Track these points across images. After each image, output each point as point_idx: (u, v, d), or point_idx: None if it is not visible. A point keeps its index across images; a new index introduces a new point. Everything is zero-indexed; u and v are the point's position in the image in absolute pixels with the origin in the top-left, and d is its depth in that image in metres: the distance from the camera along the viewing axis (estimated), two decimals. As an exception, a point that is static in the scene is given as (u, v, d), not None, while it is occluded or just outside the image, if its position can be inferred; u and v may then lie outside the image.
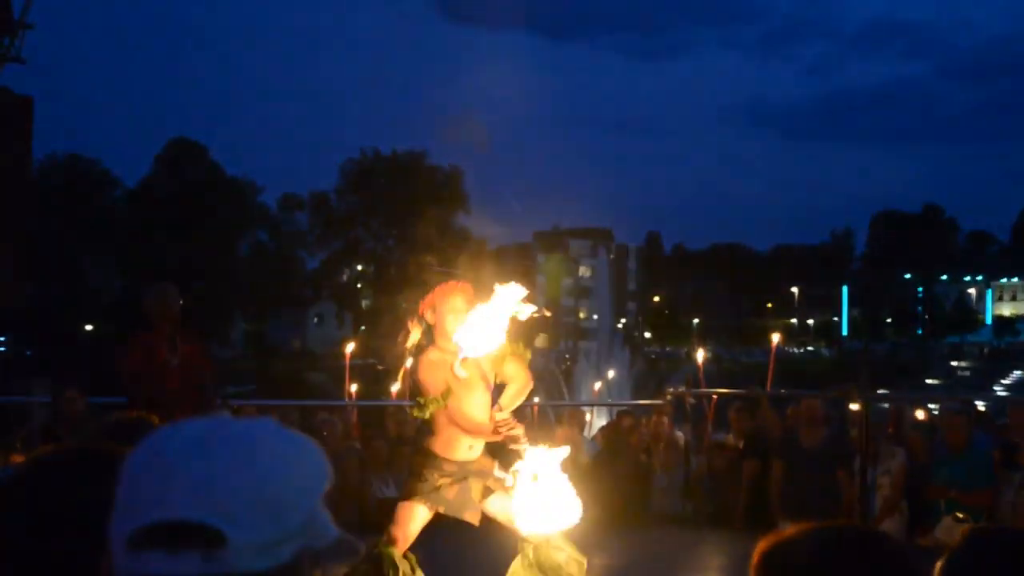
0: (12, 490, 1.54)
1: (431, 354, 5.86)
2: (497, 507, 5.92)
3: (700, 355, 12.93)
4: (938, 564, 1.85)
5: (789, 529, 1.67)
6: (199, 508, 1.12)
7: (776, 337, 13.71)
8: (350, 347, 13.84)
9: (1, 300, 15.86)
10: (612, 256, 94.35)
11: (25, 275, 13.80)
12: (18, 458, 8.78)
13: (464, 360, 5.81)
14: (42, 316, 42.25)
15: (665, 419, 11.48)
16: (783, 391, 11.86)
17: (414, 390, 5.99)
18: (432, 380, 5.80)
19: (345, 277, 77.76)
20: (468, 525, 5.97)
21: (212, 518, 1.12)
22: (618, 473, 10.83)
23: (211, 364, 8.37)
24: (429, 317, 5.97)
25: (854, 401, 9.49)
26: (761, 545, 1.67)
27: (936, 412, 10.12)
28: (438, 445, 5.88)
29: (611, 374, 26.57)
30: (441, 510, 5.81)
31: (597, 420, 15.72)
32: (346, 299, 77.18)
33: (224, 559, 1.12)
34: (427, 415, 5.83)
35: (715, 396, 11.78)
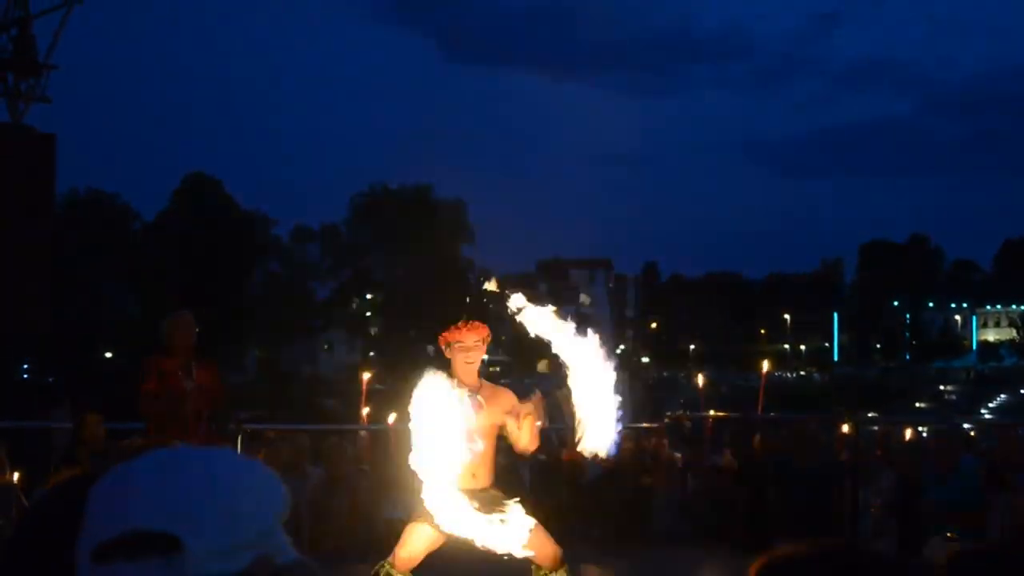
0: (35, 514, 1.55)
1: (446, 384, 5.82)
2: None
3: (700, 379, 12.91)
4: None
5: (785, 547, 1.67)
6: (157, 518, 1.16)
7: (766, 364, 13.72)
8: (366, 376, 13.93)
9: (27, 327, 15.88)
10: (611, 285, 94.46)
11: (48, 303, 13.82)
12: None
13: (472, 397, 5.80)
14: (63, 343, 42.23)
15: (664, 441, 11.48)
16: (774, 415, 11.84)
17: None
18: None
19: (355, 306, 77.84)
20: (473, 549, 5.93)
21: (170, 526, 1.16)
22: (618, 494, 10.81)
23: (224, 390, 8.36)
24: (446, 352, 5.98)
25: (845, 424, 9.49)
26: (757, 562, 1.66)
27: (925, 434, 10.10)
28: None
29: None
30: (445, 533, 5.77)
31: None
32: (356, 327, 77.24)
33: (183, 565, 1.16)
34: None
35: (711, 419, 11.77)
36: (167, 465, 1.23)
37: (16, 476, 9.07)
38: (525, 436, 5.88)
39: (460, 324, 6.02)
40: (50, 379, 43.90)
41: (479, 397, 5.88)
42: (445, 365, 5.96)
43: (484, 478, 5.89)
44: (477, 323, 6.04)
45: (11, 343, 29.83)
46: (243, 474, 1.25)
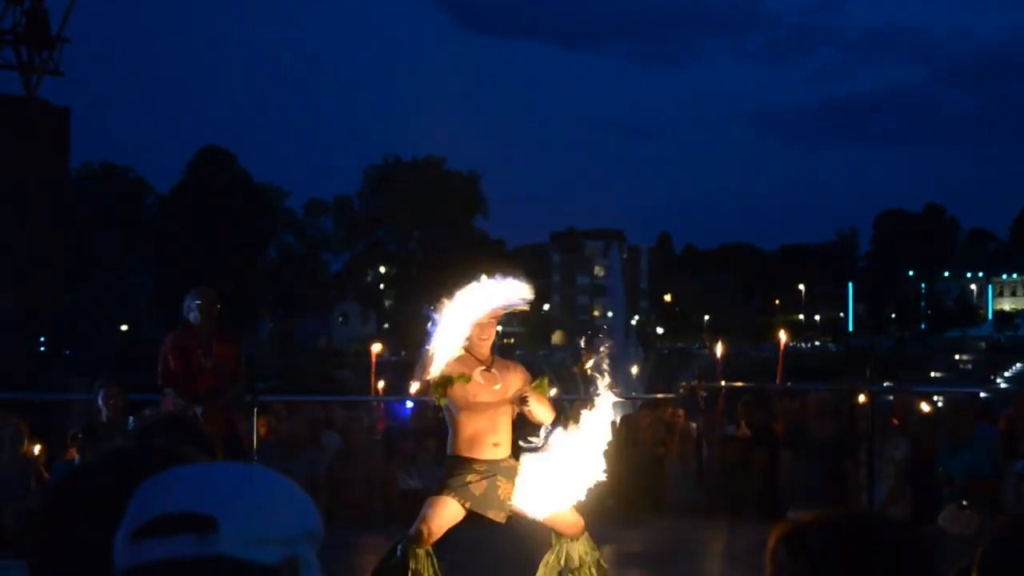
0: (76, 485, 1.55)
1: (459, 354, 5.87)
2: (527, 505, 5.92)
3: (719, 349, 12.86)
4: (979, 551, 1.84)
5: (804, 515, 1.68)
6: (196, 501, 1.21)
7: (783, 334, 13.71)
8: (376, 347, 13.97)
9: (43, 301, 15.94)
10: (625, 256, 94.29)
11: (64, 278, 13.86)
12: (73, 453, 8.82)
13: (487, 371, 5.84)
14: (80, 317, 42.37)
15: (679, 411, 11.49)
16: (791, 384, 11.81)
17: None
18: (447, 369, 5.81)
19: (369, 278, 77.94)
20: (493, 523, 5.96)
21: (206, 507, 1.20)
22: (634, 464, 10.83)
23: (243, 367, 8.35)
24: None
25: (860, 394, 9.48)
26: (777, 530, 1.67)
27: (940, 404, 10.08)
28: (462, 447, 5.87)
29: (634, 369, 26.49)
30: (468, 506, 5.79)
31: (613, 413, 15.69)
32: (370, 299, 77.36)
33: (215, 542, 1.18)
34: (439, 398, 5.82)
35: (723, 388, 11.74)
36: (210, 466, 1.31)
37: (37, 449, 9.12)
38: (540, 411, 5.90)
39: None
40: (67, 352, 44.12)
41: (493, 370, 5.92)
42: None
43: (504, 449, 5.92)
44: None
45: (28, 317, 29.97)
46: (279, 482, 1.29)
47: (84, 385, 11.40)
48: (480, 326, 5.90)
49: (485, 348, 5.99)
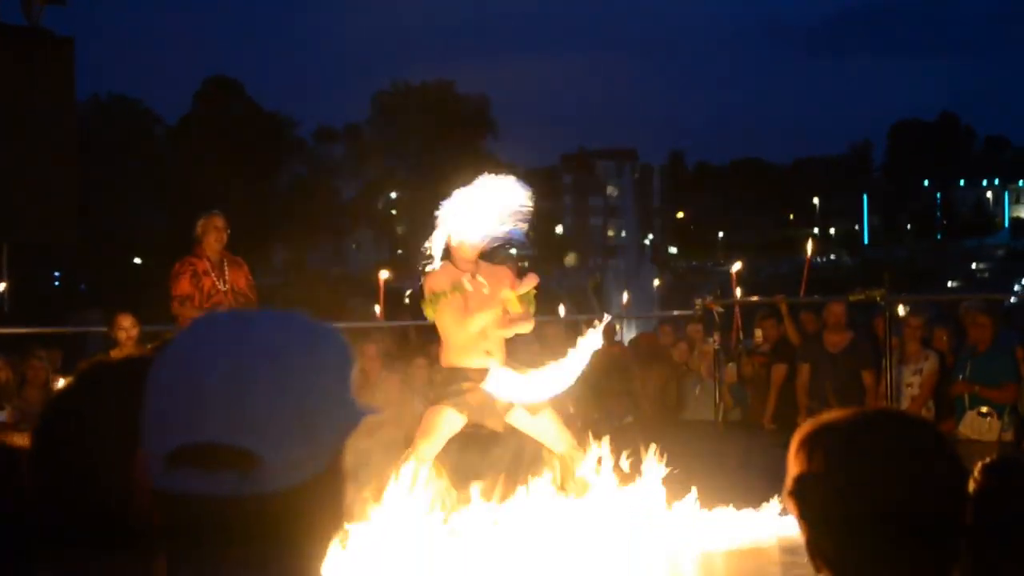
0: (61, 402, 1.53)
1: (444, 266, 5.89)
2: (521, 419, 5.94)
3: (734, 266, 12.82)
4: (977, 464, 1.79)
5: (827, 413, 1.65)
6: (232, 432, 1.11)
7: (810, 245, 13.71)
8: (384, 273, 14.04)
9: (55, 237, 15.94)
10: (637, 175, 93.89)
11: (75, 212, 13.86)
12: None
13: (474, 278, 5.85)
14: (92, 251, 42.48)
15: (697, 327, 11.50)
16: (807, 297, 11.76)
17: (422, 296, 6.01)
18: (435, 284, 5.82)
19: (380, 205, 77.90)
20: (490, 432, 5.99)
21: (245, 441, 1.11)
22: (653, 381, 10.87)
23: (256, 291, 8.38)
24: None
25: (878, 304, 9.44)
26: (802, 428, 1.65)
27: (959, 312, 10.04)
28: (454, 357, 5.89)
29: (640, 288, 26.54)
30: (465, 414, 5.81)
31: (627, 332, 15.72)
32: (382, 226, 77.40)
33: (260, 478, 1.11)
34: (430, 314, 5.85)
35: (737, 305, 11.71)
36: (236, 361, 1.14)
37: (61, 382, 9.17)
38: (516, 304, 5.91)
39: None
40: (82, 286, 44.31)
41: (480, 277, 5.94)
42: None
43: (497, 356, 5.92)
44: None
45: (41, 253, 30.05)
46: (317, 361, 1.19)
47: (100, 319, 11.44)
48: (466, 247, 5.91)
49: (471, 255, 6.00)
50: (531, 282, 5.93)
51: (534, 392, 5.82)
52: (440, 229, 5.92)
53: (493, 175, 5.91)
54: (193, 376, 1.14)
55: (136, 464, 1.20)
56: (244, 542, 1.13)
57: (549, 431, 5.93)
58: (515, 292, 5.90)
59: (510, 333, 6.01)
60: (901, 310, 10.46)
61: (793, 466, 1.61)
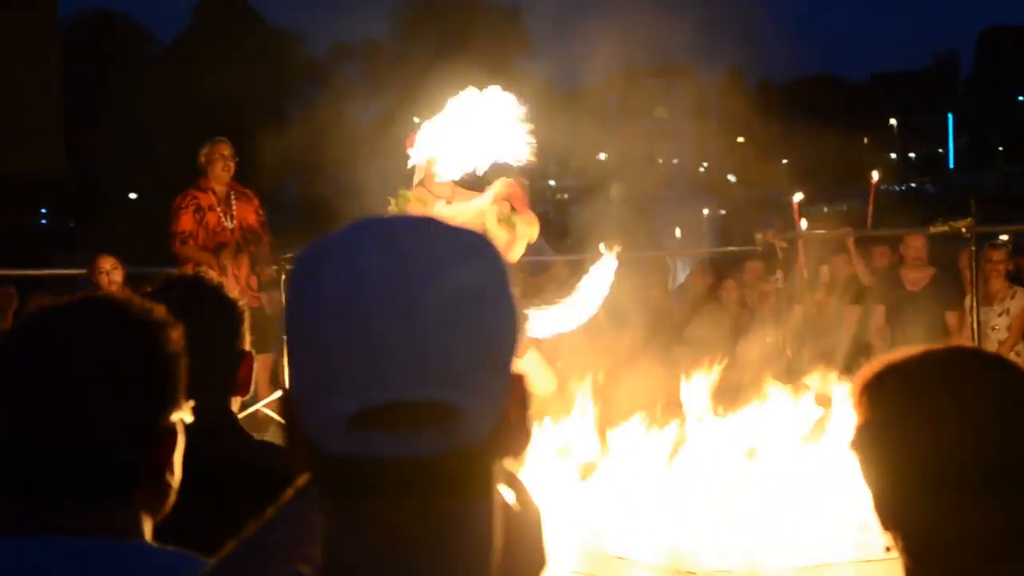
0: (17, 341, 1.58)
1: (417, 191, 5.94)
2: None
3: (797, 197, 12.72)
4: None
5: (894, 353, 1.62)
6: (426, 386, 1.07)
7: (876, 174, 13.51)
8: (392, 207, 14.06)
9: (40, 168, 16.05)
10: (690, 95, 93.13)
11: (61, 142, 13.92)
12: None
13: (448, 203, 5.91)
14: (81, 185, 42.70)
15: (758, 264, 11.47)
16: (882, 231, 11.66)
17: None
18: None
19: (403, 132, 77.85)
20: None
21: (442, 394, 1.08)
22: (711, 323, 10.86)
23: (267, 227, 8.36)
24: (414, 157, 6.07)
25: (963, 235, 9.34)
26: (863, 371, 1.62)
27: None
28: None
29: (693, 220, 26.47)
30: None
31: (681, 271, 15.68)
32: (404, 154, 77.38)
33: (460, 431, 1.09)
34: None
35: (807, 238, 11.62)
36: (410, 298, 1.08)
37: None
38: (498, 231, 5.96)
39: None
40: (71, 224, 44.58)
41: (455, 203, 6.01)
42: None
43: None
44: None
45: (24, 187, 30.18)
46: (485, 280, 1.12)
47: (88, 260, 11.53)
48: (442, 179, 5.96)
49: (445, 184, 6.06)
50: (505, 189, 5.98)
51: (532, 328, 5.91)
52: (417, 150, 5.96)
53: (478, 90, 5.92)
54: (362, 326, 1.07)
55: (291, 425, 1.16)
56: (446, 495, 1.10)
57: (530, 372, 5.98)
58: (496, 216, 5.93)
59: None
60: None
61: (856, 414, 1.59)
